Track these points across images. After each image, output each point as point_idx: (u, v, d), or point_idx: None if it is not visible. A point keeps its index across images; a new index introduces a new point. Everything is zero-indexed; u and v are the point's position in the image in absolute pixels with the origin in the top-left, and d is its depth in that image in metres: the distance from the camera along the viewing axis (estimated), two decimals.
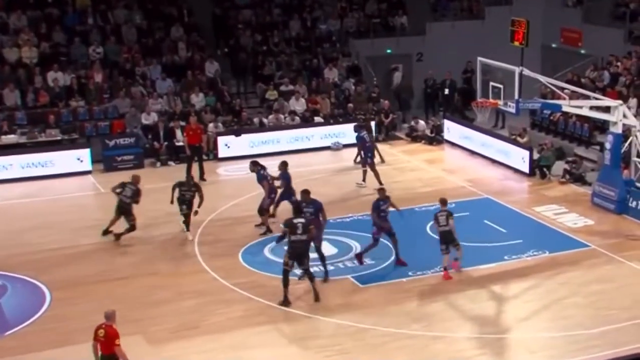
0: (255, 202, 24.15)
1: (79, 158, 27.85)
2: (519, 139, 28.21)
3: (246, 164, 27.85)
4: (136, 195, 21.76)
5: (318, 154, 29.74)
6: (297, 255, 17.68)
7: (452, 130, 31.08)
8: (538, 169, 26.98)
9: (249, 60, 33.30)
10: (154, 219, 23.19)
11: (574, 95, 25.81)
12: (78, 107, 30.14)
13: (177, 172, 27.12)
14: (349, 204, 24.24)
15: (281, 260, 18.61)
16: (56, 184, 26.75)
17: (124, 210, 21.64)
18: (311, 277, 18.00)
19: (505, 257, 20.35)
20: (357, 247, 20.95)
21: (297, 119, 31.03)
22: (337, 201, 24.57)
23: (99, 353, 13.90)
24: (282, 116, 30.91)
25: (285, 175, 22.23)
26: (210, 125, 29.72)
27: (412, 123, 31.99)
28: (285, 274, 17.79)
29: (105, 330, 13.80)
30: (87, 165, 27.92)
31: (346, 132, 30.29)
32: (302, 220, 17.89)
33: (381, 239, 19.97)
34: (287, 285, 17.84)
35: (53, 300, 18.41)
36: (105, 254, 21.03)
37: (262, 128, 30.30)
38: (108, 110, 30.42)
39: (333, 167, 28.30)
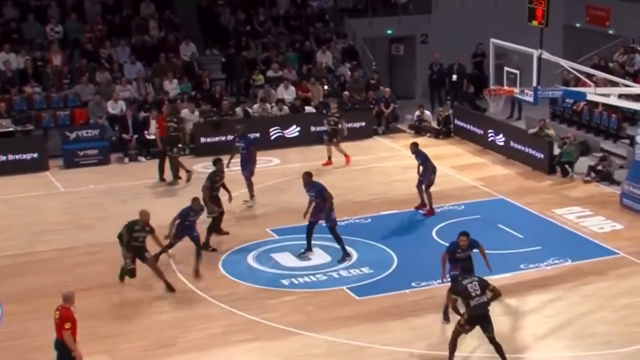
0: (236, 203, 24.15)
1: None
2: (546, 131, 28.21)
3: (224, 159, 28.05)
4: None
5: (309, 148, 29.79)
6: None
7: (461, 121, 31.23)
8: (559, 166, 27.09)
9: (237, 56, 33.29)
10: (124, 222, 23.17)
11: (600, 82, 25.91)
12: (34, 94, 30.10)
13: (148, 168, 27.25)
14: (343, 206, 24.23)
15: (265, 269, 19.98)
16: (8, 182, 26.74)
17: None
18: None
19: (522, 266, 20.45)
20: (353, 254, 21.04)
21: (286, 108, 31.09)
22: None
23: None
24: (268, 105, 30.96)
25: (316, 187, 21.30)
26: (184, 111, 29.69)
27: (417, 113, 32.07)
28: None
29: (60, 312, 14.24)
30: (44, 161, 27.91)
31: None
32: None
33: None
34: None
35: (5, 314, 18.39)
36: (66, 261, 21.03)
37: (246, 119, 30.33)
38: (68, 98, 30.40)
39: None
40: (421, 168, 23.86)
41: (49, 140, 28.65)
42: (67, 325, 14.13)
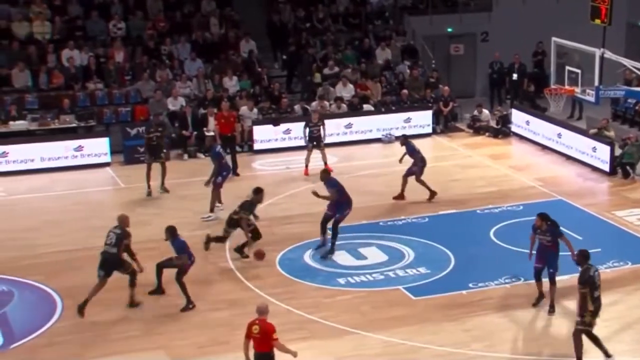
0: (294, 201, 24.15)
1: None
2: (605, 132, 27.81)
3: (283, 157, 28.15)
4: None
5: (367, 146, 29.67)
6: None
7: (520, 121, 30.87)
8: (620, 167, 26.68)
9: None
10: (181, 218, 23.25)
11: None
12: (96, 91, 30.33)
13: (207, 165, 27.21)
14: (401, 204, 24.12)
15: (321, 268, 19.93)
16: (70, 177, 26.97)
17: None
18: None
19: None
20: (409, 254, 20.88)
21: (344, 106, 30.98)
22: (388, 201, 24.48)
23: (252, 351, 14.46)
24: (327, 103, 30.86)
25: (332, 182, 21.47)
26: (243, 108, 29.78)
27: (475, 112, 31.81)
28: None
29: (259, 326, 14.35)
30: (105, 157, 28.14)
31: (399, 122, 30.36)
32: None
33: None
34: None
35: (65, 309, 18.46)
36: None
37: (304, 117, 30.26)
38: (130, 94, 30.61)
39: (384, 162, 28.16)
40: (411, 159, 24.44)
41: (111, 136, 28.69)
42: (276, 336, 14.33)
